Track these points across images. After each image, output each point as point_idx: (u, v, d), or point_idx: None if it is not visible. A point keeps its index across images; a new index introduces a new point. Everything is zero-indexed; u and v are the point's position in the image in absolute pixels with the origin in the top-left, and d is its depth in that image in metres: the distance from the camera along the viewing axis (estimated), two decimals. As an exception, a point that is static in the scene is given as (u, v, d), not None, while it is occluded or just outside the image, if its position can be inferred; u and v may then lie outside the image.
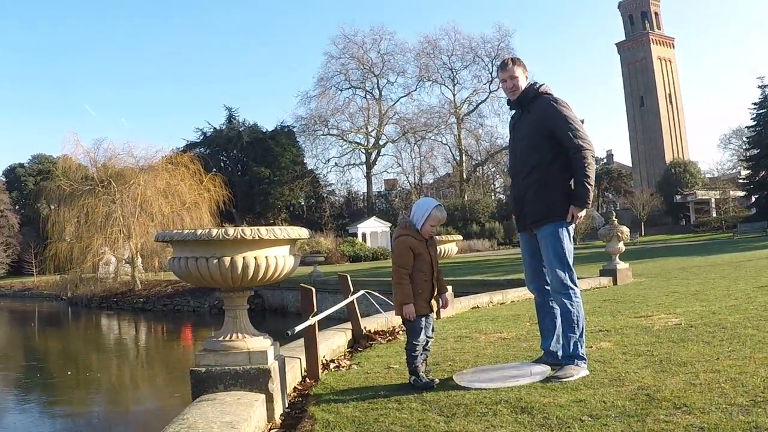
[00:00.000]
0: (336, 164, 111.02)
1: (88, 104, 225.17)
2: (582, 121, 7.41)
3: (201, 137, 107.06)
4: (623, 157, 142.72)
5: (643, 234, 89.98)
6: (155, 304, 58.06)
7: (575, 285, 7.37)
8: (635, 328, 10.26)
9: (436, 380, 7.12)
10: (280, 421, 6.21)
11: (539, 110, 7.31)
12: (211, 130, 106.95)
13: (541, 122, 7.28)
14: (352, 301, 10.77)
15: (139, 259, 66.60)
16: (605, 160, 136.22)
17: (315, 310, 8.13)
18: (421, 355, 7.22)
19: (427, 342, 7.42)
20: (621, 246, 22.47)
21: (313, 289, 8.42)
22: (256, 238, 5.55)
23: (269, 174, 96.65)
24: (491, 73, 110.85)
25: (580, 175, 7.14)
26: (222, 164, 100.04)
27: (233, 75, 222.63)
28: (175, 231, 5.86)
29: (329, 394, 7.17)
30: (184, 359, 32.46)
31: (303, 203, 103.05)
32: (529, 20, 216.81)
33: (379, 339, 10.98)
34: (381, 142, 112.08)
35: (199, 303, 53.24)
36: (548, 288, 7.52)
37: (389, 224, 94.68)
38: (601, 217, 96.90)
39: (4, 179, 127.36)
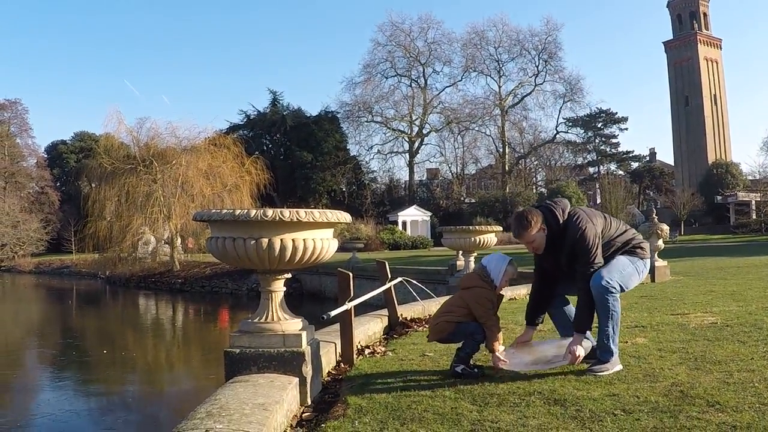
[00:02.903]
0: (379, 151, 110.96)
1: (131, 83, 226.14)
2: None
3: (244, 119, 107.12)
4: (666, 155, 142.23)
5: (682, 233, 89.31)
6: (193, 286, 58.15)
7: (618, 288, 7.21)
8: (671, 325, 10.19)
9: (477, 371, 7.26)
10: (313, 405, 6.22)
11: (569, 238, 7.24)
12: (255, 113, 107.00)
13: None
14: (390, 288, 10.77)
15: (179, 240, 66.78)
16: (648, 158, 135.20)
17: (352, 295, 8.14)
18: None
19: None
20: (660, 243, 22.34)
21: (351, 275, 8.42)
22: (295, 220, 5.54)
23: (311, 159, 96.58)
24: (537, 66, 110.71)
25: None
26: (264, 147, 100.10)
27: (279, 59, 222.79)
28: (213, 210, 5.88)
29: (363, 379, 7.18)
30: (220, 341, 32.53)
31: (344, 189, 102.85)
32: (578, 15, 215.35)
33: (415, 326, 10.99)
34: (424, 131, 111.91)
35: (237, 285, 53.33)
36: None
37: (430, 213, 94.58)
38: (642, 214, 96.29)
39: (46, 156, 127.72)
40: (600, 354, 7.10)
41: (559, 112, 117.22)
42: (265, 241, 5.58)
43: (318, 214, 5.73)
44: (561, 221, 7.21)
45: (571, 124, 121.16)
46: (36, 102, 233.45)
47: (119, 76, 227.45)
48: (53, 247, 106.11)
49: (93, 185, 75.23)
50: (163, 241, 68.51)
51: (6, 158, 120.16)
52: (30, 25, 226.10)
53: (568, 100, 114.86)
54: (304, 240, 5.74)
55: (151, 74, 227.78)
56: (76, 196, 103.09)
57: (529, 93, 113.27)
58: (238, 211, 5.59)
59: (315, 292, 45.64)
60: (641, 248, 7.56)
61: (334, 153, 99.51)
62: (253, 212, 5.53)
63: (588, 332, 7.34)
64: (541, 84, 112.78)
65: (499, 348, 7.32)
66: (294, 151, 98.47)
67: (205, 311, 47.08)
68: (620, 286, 7.17)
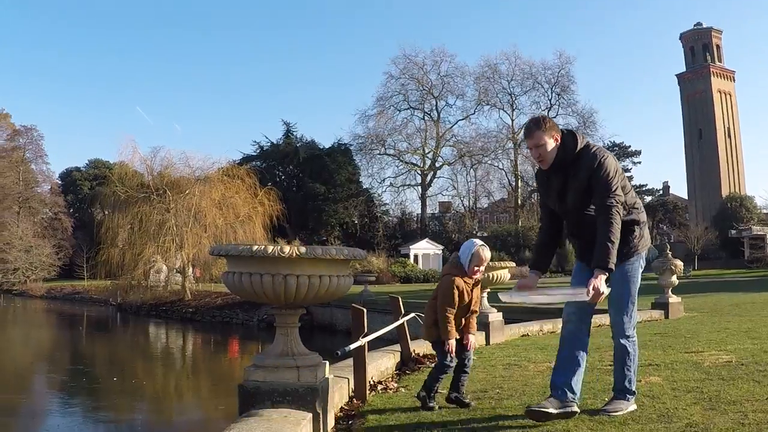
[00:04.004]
0: (391, 184, 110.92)
1: (143, 109, 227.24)
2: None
3: (257, 150, 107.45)
4: (679, 188, 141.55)
5: (696, 267, 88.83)
6: (204, 315, 58.25)
7: (634, 328, 6.99)
8: (685, 363, 10.16)
9: (436, 407, 7.50)
10: (327, 441, 6.21)
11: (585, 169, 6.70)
12: (268, 144, 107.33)
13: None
14: (403, 323, 10.76)
15: (191, 270, 66.91)
16: (661, 192, 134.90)
17: (365, 330, 8.14)
18: (442, 380, 7.69)
19: (465, 365, 7.83)
20: (674, 279, 22.30)
21: (365, 310, 8.42)
22: (311, 256, 5.56)
23: (324, 191, 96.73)
24: (550, 100, 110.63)
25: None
26: (277, 179, 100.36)
27: (292, 90, 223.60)
28: (230, 245, 5.89)
29: (376, 415, 7.19)
30: (230, 372, 32.55)
31: (357, 222, 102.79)
32: (590, 48, 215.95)
33: (428, 362, 10.95)
34: (437, 164, 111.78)
35: (249, 316, 53.31)
36: (589, 320, 7.05)
37: (442, 247, 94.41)
38: (655, 249, 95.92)
39: (60, 182, 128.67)
40: (617, 394, 6.85)
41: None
42: (281, 276, 5.60)
43: (334, 251, 5.75)
44: (578, 147, 6.76)
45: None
46: (51, 128, 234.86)
47: (132, 104, 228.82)
48: (65, 272, 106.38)
49: (106, 212, 75.63)
50: (175, 270, 68.64)
51: (20, 183, 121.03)
52: (45, 52, 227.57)
53: (582, 134, 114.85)
54: (320, 276, 5.75)
55: (163, 102, 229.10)
56: (89, 222, 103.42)
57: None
58: (255, 247, 5.60)
59: (326, 325, 45.58)
60: (645, 238, 7.09)
61: (347, 185, 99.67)
62: (270, 248, 5.54)
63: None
64: (554, 117, 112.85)
65: (451, 343, 7.45)
66: (307, 183, 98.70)
67: (216, 341, 47.11)
68: (635, 316, 7.02)
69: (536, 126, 6.79)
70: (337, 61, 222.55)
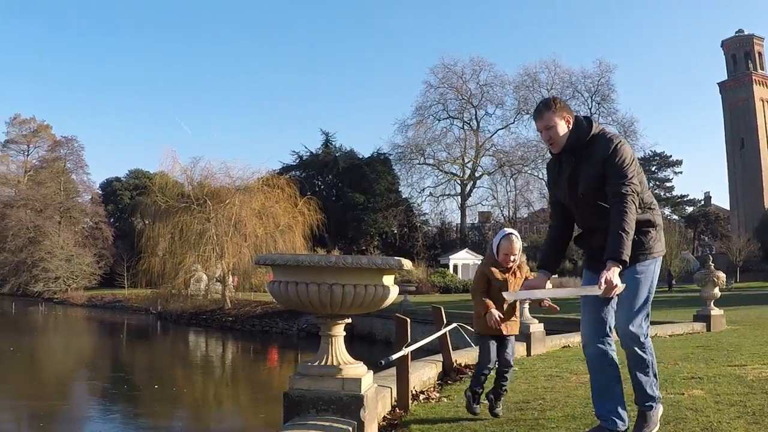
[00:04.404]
0: (431, 194, 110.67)
1: (183, 120, 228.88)
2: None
3: (297, 160, 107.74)
4: (721, 199, 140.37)
5: (738, 279, 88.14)
6: (244, 324, 58.48)
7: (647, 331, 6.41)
8: (728, 377, 10.02)
9: (478, 410, 7.67)
10: (370, 452, 6.23)
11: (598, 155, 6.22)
12: (308, 153, 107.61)
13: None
14: (445, 333, 10.76)
15: (231, 279, 67.13)
16: (703, 202, 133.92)
17: (409, 340, 8.16)
18: (483, 380, 7.76)
19: (506, 369, 7.84)
20: (716, 292, 22.08)
21: (408, 320, 8.45)
22: (357, 266, 5.58)
23: (364, 200, 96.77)
24: (590, 109, 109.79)
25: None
26: (317, 188, 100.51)
27: (331, 100, 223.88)
28: (277, 254, 5.93)
29: (419, 425, 7.21)
30: (269, 380, 32.67)
31: (396, 231, 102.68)
32: (631, 56, 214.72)
33: (469, 373, 10.91)
34: (477, 174, 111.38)
35: (288, 325, 53.48)
36: (608, 338, 6.46)
37: (481, 257, 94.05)
38: (696, 260, 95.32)
39: (100, 192, 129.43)
40: (643, 407, 6.39)
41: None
42: (327, 286, 5.62)
43: (380, 261, 5.76)
44: (592, 131, 6.31)
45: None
46: (91, 139, 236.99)
47: (171, 114, 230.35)
48: (106, 281, 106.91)
49: (146, 222, 76.33)
50: (215, 279, 68.86)
51: (62, 193, 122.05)
52: (85, 65, 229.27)
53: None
54: (365, 286, 5.76)
55: (202, 113, 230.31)
56: (129, 232, 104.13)
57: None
58: (301, 257, 5.63)
59: (365, 335, 45.61)
60: (661, 242, 6.50)
61: (386, 195, 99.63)
62: (316, 258, 5.58)
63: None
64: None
65: (492, 312, 7.50)
66: (346, 193, 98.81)
67: (255, 350, 47.25)
68: (648, 323, 6.40)
69: (546, 107, 6.41)
70: (376, 71, 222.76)
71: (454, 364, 11.12)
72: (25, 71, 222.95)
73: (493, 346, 7.71)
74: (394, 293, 6.19)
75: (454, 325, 11.28)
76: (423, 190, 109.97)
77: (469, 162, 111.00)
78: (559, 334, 17.84)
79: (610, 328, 6.43)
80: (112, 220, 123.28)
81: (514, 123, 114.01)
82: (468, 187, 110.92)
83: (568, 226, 6.77)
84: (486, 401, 7.74)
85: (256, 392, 28.70)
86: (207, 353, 47.54)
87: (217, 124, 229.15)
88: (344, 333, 6.25)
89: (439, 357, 11.16)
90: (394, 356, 7.45)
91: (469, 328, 12.03)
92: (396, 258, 6.12)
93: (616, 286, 5.77)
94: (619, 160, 6.08)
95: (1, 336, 49.31)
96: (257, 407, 24.42)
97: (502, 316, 7.51)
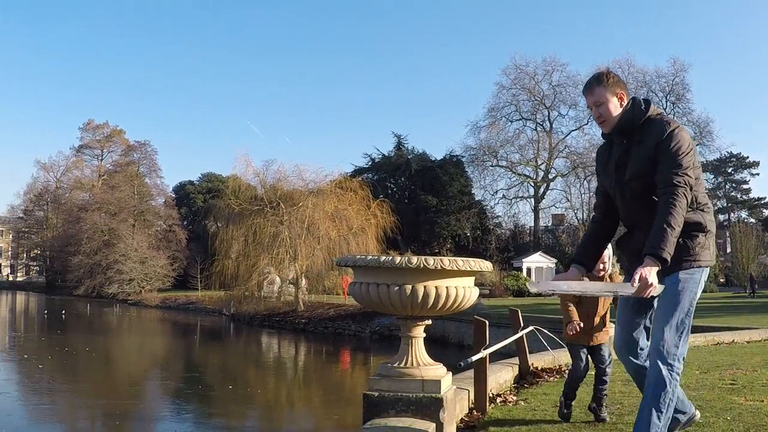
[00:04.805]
0: (504, 196, 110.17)
1: (253, 123, 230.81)
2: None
3: (369, 163, 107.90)
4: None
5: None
6: (317, 326, 58.63)
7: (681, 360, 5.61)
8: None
9: (568, 416, 7.59)
10: (448, 453, 6.24)
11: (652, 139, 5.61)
12: (380, 156, 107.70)
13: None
14: (522, 336, 10.73)
15: (304, 281, 67.40)
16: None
17: (487, 342, 8.15)
18: (575, 387, 7.75)
19: (603, 375, 7.83)
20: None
21: (487, 322, 8.44)
22: (439, 268, 5.60)
23: (436, 203, 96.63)
24: (665, 109, 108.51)
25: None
26: (389, 191, 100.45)
27: (403, 102, 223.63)
28: (358, 256, 5.97)
29: (497, 427, 7.20)
30: (341, 382, 32.78)
31: (469, 234, 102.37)
32: (706, 55, 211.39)
33: (546, 376, 10.92)
34: (550, 176, 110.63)
35: (361, 328, 53.52)
36: (642, 353, 6.00)
37: (555, 260, 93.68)
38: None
39: (174, 195, 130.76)
40: None
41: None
42: (408, 287, 5.64)
43: (461, 263, 5.77)
44: (649, 113, 5.73)
45: (702, 168, 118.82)
46: (164, 143, 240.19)
47: (242, 118, 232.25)
48: (179, 283, 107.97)
49: (220, 225, 76.96)
50: (288, 282, 69.19)
51: (135, 197, 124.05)
52: (157, 70, 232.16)
53: (697, 144, 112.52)
54: (446, 287, 5.78)
55: (273, 116, 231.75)
56: (202, 234, 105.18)
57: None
58: (383, 258, 5.67)
59: (438, 338, 45.48)
60: (711, 251, 5.74)
61: (459, 197, 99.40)
62: (398, 259, 5.60)
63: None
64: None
65: (569, 326, 7.44)
66: (418, 195, 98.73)
67: (327, 352, 47.40)
68: (686, 344, 5.63)
69: (597, 81, 5.84)
70: (448, 72, 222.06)
71: (531, 368, 11.09)
72: (98, 78, 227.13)
73: (583, 354, 7.72)
74: (474, 295, 6.20)
75: (531, 328, 11.24)
76: (496, 192, 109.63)
77: (542, 164, 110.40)
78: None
79: (641, 348, 5.98)
80: (185, 222, 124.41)
81: (587, 124, 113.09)
82: (541, 190, 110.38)
83: (609, 218, 6.13)
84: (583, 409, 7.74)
85: (329, 394, 28.78)
86: (280, 355, 47.78)
87: (288, 128, 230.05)
88: (424, 334, 6.27)
89: (515, 360, 11.14)
90: (473, 358, 7.44)
91: (545, 331, 12.00)
92: (478, 260, 6.12)
93: (652, 285, 5.10)
94: (675, 146, 5.47)
95: (77, 337, 49.94)
96: (330, 409, 24.50)
97: (579, 327, 7.49)
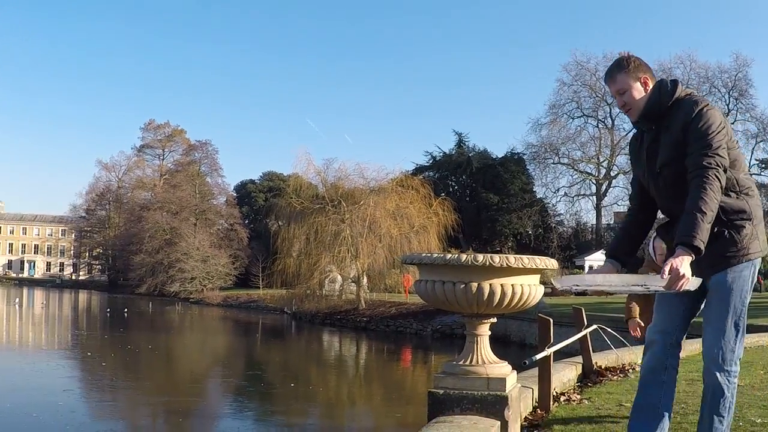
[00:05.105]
0: (565, 194, 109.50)
1: (313, 122, 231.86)
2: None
3: (430, 161, 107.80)
4: None
5: None
6: (378, 324, 58.66)
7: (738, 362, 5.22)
8: None
9: None
10: (512, 451, 6.24)
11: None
12: (441, 154, 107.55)
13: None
14: (585, 335, 10.68)
15: (365, 279, 67.46)
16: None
17: (552, 341, 8.14)
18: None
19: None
20: None
21: (551, 320, 8.42)
22: (504, 265, 5.59)
23: (497, 201, 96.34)
24: (728, 105, 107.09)
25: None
26: (450, 189, 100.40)
27: (463, 100, 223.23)
28: (424, 254, 5.98)
29: (561, 426, 7.17)
30: (402, 381, 32.81)
31: (531, 232, 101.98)
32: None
33: (610, 375, 10.84)
34: (612, 173, 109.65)
35: (422, 326, 53.49)
36: (678, 349, 5.47)
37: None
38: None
39: (235, 194, 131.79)
40: None
41: (752, 153, 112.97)
42: (474, 285, 5.63)
43: (527, 260, 5.76)
44: (676, 94, 5.25)
45: (764, 165, 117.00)
46: (225, 143, 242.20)
47: (302, 116, 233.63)
48: (241, 281, 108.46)
49: (281, 223, 77.22)
50: (349, 280, 69.31)
51: (197, 196, 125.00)
52: (218, 71, 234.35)
53: (761, 140, 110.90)
54: (512, 285, 5.77)
55: (332, 114, 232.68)
56: (264, 233, 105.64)
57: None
58: (448, 256, 5.67)
59: (500, 336, 45.32)
60: (760, 240, 5.20)
61: (520, 195, 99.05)
62: (463, 257, 5.60)
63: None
64: (732, 123, 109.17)
65: (629, 323, 7.31)
66: (480, 193, 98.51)
67: (389, 350, 47.43)
68: (742, 346, 5.21)
69: (618, 68, 5.42)
70: (508, 69, 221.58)
71: (594, 367, 11.03)
72: (159, 79, 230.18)
73: None
74: (539, 293, 6.18)
75: (595, 326, 11.18)
76: (558, 189, 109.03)
77: (604, 161, 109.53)
78: (700, 338, 17.53)
79: (678, 343, 5.45)
80: (246, 221, 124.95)
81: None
82: (603, 187, 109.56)
83: (645, 209, 5.70)
84: None
85: (390, 392, 28.83)
86: (341, 353, 47.96)
87: (349, 126, 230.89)
88: (489, 332, 6.27)
89: (579, 359, 11.08)
90: (537, 356, 7.43)
91: (609, 330, 11.93)
92: (544, 257, 6.12)
93: (684, 276, 4.58)
94: (704, 126, 4.97)
95: (139, 334, 50.40)
96: (391, 407, 24.55)
97: (641, 326, 7.44)
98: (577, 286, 5.18)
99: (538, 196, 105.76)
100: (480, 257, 5.57)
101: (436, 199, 66.18)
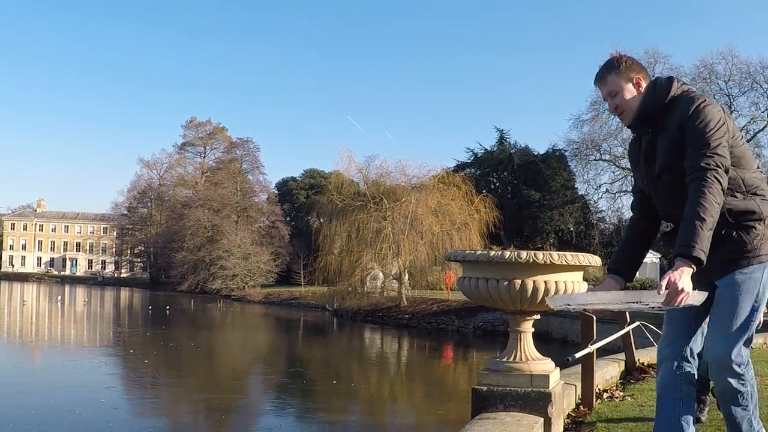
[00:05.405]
0: (607, 190, 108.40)
1: (353, 118, 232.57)
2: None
3: (471, 157, 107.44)
4: None
5: None
6: (419, 322, 58.64)
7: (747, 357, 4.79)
8: None
9: (702, 418, 7.16)
10: (556, 447, 6.26)
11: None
12: (482, 150, 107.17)
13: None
14: (628, 331, 10.66)
15: (407, 276, 67.45)
16: None
17: (594, 338, 8.14)
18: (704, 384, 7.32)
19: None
20: None
21: (594, 317, 8.42)
22: (548, 262, 5.61)
23: (539, 198, 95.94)
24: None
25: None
26: (492, 186, 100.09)
27: (504, 96, 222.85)
28: (467, 251, 6.01)
29: (604, 423, 7.19)
30: (444, 378, 32.81)
31: (572, 229, 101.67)
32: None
33: (652, 372, 10.79)
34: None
35: (464, 323, 53.46)
36: (688, 356, 4.91)
37: (659, 255, 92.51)
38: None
39: (276, 192, 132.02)
40: None
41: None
42: (517, 282, 5.65)
43: (570, 257, 5.77)
44: (671, 92, 4.86)
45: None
46: (266, 140, 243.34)
47: (342, 113, 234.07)
48: (282, 279, 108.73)
49: (322, 220, 77.41)
50: (391, 277, 69.34)
51: (238, 193, 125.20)
52: (258, 69, 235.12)
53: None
54: (555, 282, 5.78)
55: (372, 110, 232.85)
56: (305, 230, 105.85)
57: (762, 129, 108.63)
58: (492, 253, 5.71)
59: (541, 333, 45.08)
60: None
61: (562, 192, 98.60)
62: (507, 254, 5.63)
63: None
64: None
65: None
66: (521, 190, 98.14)
67: (430, 347, 47.45)
68: (749, 348, 4.78)
69: (607, 69, 5.07)
70: (549, 65, 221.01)
71: (637, 364, 11.01)
72: (199, 78, 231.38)
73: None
74: (582, 290, 6.18)
75: (637, 323, 11.17)
76: (599, 186, 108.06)
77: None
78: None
79: (692, 353, 4.95)
80: (288, 218, 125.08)
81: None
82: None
83: (648, 218, 5.26)
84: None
85: (432, 389, 28.83)
86: (383, 350, 48.01)
87: (389, 124, 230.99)
88: (533, 329, 6.29)
89: (621, 356, 11.08)
90: (580, 353, 7.43)
91: (651, 327, 11.90)
92: (587, 254, 6.12)
93: (683, 291, 4.19)
94: (701, 123, 4.55)
95: (181, 332, 50.64)
96: (433, 404, 24.57)
97: None
98: (569, 305, 4.84)
99: (580, 193, 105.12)
100: (524, 254, 5.60)
101: (477, 196, 66.10)
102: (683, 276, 4.18)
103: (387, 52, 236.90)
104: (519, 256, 5.59)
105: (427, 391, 28.47)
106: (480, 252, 5.83)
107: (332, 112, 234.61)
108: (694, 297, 4.25)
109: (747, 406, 4.76)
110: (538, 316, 6.22)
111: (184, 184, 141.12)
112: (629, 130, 5.18)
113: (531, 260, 5.58)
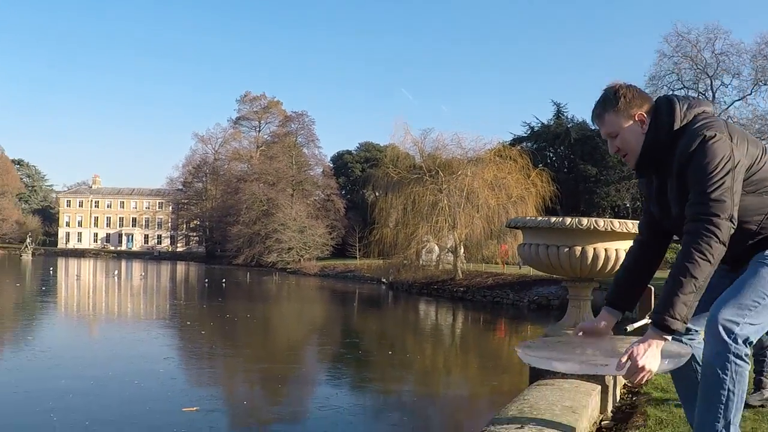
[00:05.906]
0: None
1: (407, 90, 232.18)
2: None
3: (528, 131, 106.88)
4: None
5: None
6: (474, 295, 58.44)
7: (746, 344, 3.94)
8: None
9: (754, 402, 6.95)
10: (611, 414, 6.31)
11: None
12: (539, 124, 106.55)
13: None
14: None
15: (462, 249, 67.39)
16: None
17: (653, 308, 8.16)
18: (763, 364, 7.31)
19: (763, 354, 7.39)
20: None
21: (653, 288, 8.43)
22: (609, 230, 5.66)
23: (596, 173, 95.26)
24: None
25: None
26: (548, 160, 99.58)
27: (561, 70, 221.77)
28: (528, 218, 6.08)
29: (659, 393, 7.22)
30: (498, 350, 32.77)
31: (628, 205, 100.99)
32: None
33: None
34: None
35: (519, 297, 53.31)
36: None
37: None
38: None
39: (332, 165, 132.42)
40: None
41: None
42: (578, 249, 5.71)
43: (631, 225, 5.82)
44: (679, 122, 4.12)
45: None
46: (322, 114, 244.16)
47: (396, 85, 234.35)
48: (338, 251, 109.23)
49: (378, 193, 77.30)
50: (446, 250, 69.30)
51: (294, 167, 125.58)
52: (311, 43, 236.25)
53: None
54: (616, 249, 5.82)
55: (426, 83, 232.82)
56: (361, 203, 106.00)
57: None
58: (553, 219, 5.78)
59: (592, 305, 45.13)
60: None
61: (619, 167, 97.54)
62: (568, 221, 5.69)
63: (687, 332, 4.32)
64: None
65: None
66: (578, 165, 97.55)
67: (485, 320, 47.35)
68: (752, 336, 3.97)
69: (604, 106, 4.30)
70: (608, 40, 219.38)
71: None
72: (255, 54, 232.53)
73: None
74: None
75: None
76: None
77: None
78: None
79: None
80: (343, 192, 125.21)
81: (751, 94, 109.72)
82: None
83: (655, 246, 4.68)
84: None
85: (486, 361, 28.81)
86: (437, 322, 47.95)
87: (445, 96, 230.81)
88: (591, 297, 6.33)
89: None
90: (637, 323, 7.45)
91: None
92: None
93: (643, 369, 3.70)
94: (703, 163, 3.90)
95: (237, 304, 50.86)
96: (485, 376, 24.56)
97: None
98: (538, 360, 4.30)
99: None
100: (584, 221, 5.66)
101: (534, 170, 65.70)
102: (649, 350, 3.74)
103: (443, 29, 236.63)
104: (580, 223, 5.64)
105: (482, 363, 28.46)
106: (541, 219, 5.90)
107: (386, 86, 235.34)
108: (663, 367, 3.84)
109: (719, 416, 3.93)
110: (596, 284, 6.26)
111: (239, 158, 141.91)
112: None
113: (592, 227, 5.63)
